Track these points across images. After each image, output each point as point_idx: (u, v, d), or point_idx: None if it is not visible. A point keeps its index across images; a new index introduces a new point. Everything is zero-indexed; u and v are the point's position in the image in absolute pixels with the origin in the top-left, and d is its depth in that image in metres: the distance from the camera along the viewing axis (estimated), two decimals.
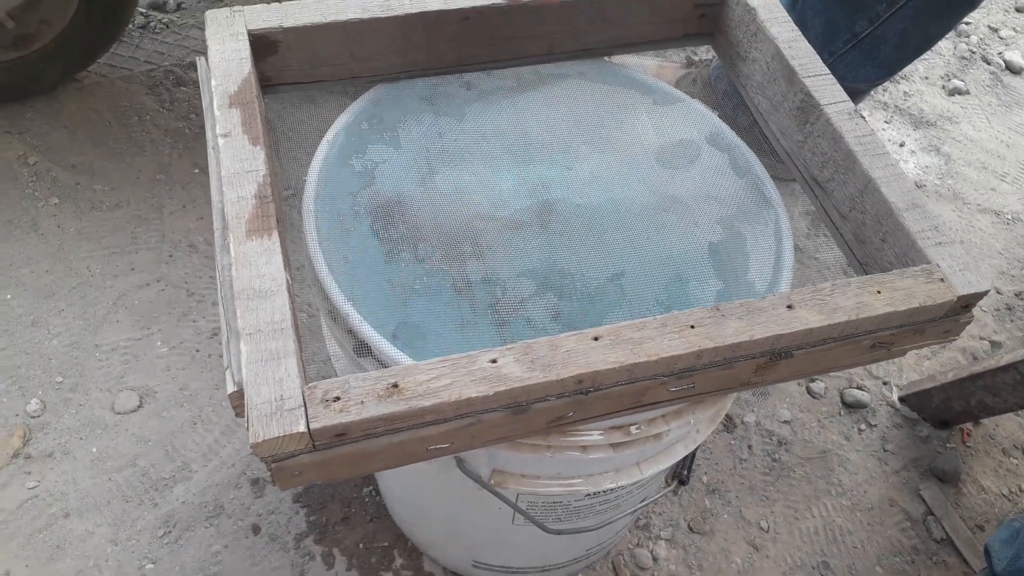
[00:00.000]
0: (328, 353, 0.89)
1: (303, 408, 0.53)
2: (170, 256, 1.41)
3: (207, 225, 1.46)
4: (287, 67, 0.81)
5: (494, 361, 0.57)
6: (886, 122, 1.90)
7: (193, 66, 1.70)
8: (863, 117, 0.76)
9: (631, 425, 0.72)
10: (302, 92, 0.87)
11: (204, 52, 0.76)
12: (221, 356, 1.29)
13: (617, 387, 0.61)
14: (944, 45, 2.10)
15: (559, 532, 0.86)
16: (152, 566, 1.09)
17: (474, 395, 0.55)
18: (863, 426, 1.37)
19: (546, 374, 0.57)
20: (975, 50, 2.11)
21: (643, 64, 1.70)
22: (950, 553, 1.25)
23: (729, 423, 1.34)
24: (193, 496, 1.16)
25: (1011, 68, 2.08)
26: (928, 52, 1.51)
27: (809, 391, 1.40)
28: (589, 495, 0.83)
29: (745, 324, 0.61)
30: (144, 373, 1.27)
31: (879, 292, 0.64)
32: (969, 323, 0.69)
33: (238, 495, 1.16)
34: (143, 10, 1.80)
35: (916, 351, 1.48)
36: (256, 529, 1.14)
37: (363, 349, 0.66)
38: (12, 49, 1.46)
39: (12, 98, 1.56)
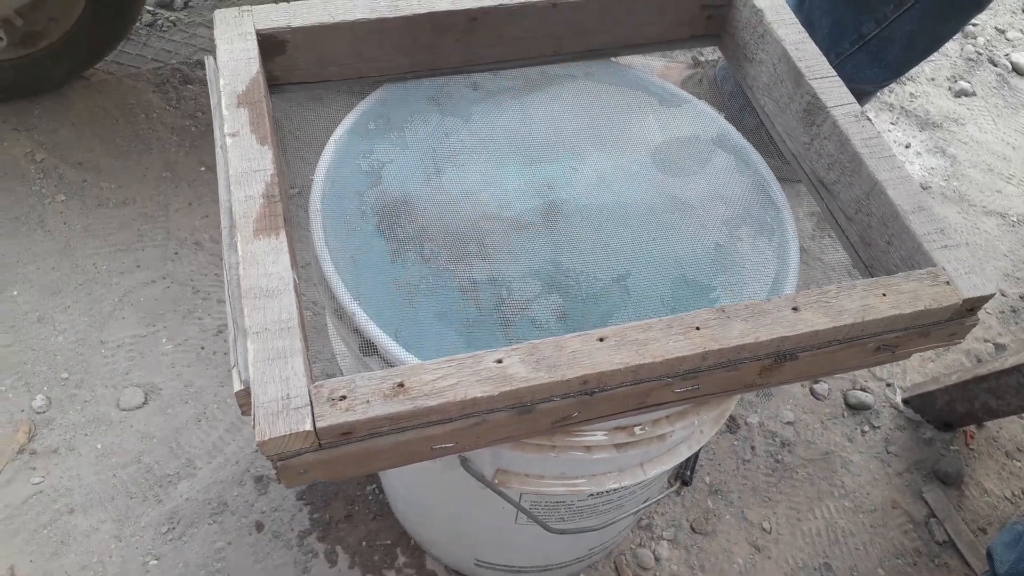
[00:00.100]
0: (333, 351, 0.90)
1: (309, 407, 0.53)
2: (176, 254, 1.42)
3: (213, 223, 1.46)
4: (295, 67, 0.81)
5: (500, 361, 0.57)
6: (892, 123, 1.90)
7: (200, 64, 1.71)
8: (870, 119, 0.76)
9: (635, 426, 0.72)
10: (309, 92, 0.87)
11: (211, 51, 0.76)
12: (226, 353, 1.30)
13: (622, 388, 0.61)
14: (951, 47, 2.09)
15: (562, 532, 0.86)
16: (156, 562, 1.10)
17: (479, 395, 0.55)
18: (866, 428, 1.37)
19: (551, 374, 0.57)
20: (982, 52, 2.11)
21: (649, 65, 1.70)
22: (952, 556, 1.25)
23: (732, 424, 1.34)
24: (197, 493, 1.16)
25: (1018, 70, 2.07)
26: (935, 54, 1.51)
27: (812, 392, 1.40)
28: (592, 495, 0.83)
29: (750, 326, 0.61)
30: (149, 370, 1.28)
31: (884, 295, 0.64)
32: (974, 326, 0.69)
33: (242, 492, 1.17)
34: (150, 8, 1.80)
35: (920, 353, 1.48)
36: (260, 526, 1.14)
37: (369, 348, 0.67)
38: (20, 47, 1.47)
39: (20, 95, 1.57)
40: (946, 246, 0.68)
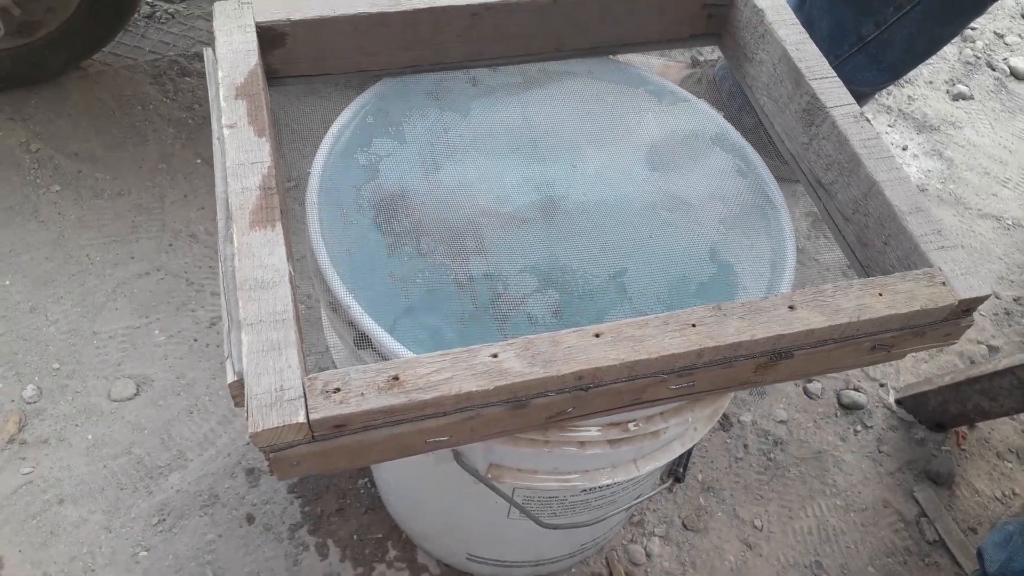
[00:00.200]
0: (327, 344, 0.89)
1: (303, 399, 0.53)
2: (170, 245, 1.41)
3: (208, 215, 1.46)
4: (294, 60, 0.81)
5: (495, 356, 0.57)
6: (889, 126, 1.90)
7: (197, 56, 1.70)
8: (868, 120, 0.76)
9: (629, 422, 0.72)
10: (308, 85, 0.87)
11: (209, 43, 0.76)
12: (219, 346, 1.30)
13: (617, 384, 0.61)
14: (949, 50, 2.10)
15: (554, 527, 0.86)
16: (146, 554, 1.10)
17: (474, 389, 0.55)
18: (859, 427, 1.38)
19: (546, 370, 0.57)
20: (980, 55, 2.11)
21: (648, 63, 1.70)
22: (942, 555, 1.25)
23: (725, 422, 1.35)
24: (188, 485, 1.16)
25: (1016, 74, 2.08)
26: (933, 57, 1.51)
27: (806, 391, 1.40)
28: (585, 491, 0.83)
29: (746, 324, 0.61)
30: (142, 361, 1.27)
31: (881, 294, 0.64)
32: (969, 327, 0.70)
33: (233, 485, 1.16)
34: (149, 0, 1.80)
35: (914, 354, 1.48)
36: (250, 519, 1.14)
37: (363, 341, 0.67)
38: (17, 36, 1.46)
39: (16, 85, 1.56)
40: (943, 247, 0.68)
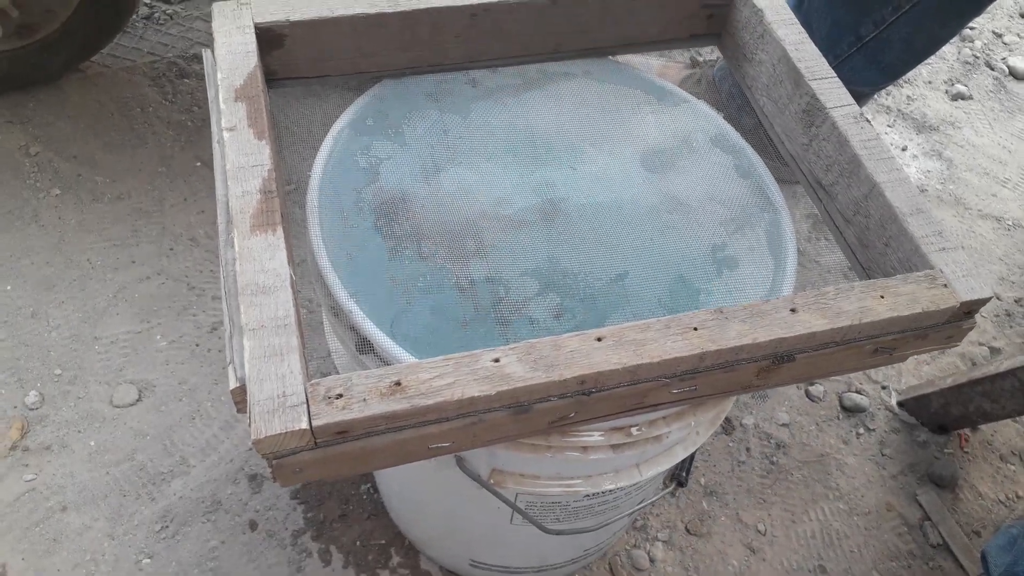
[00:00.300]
0: (328, 349, 0.89)
1: (305, 405, 0.53)
2: (171, 249, 1.41)
3: (208, 219, 1.45)
4: (293, 61, 0.81)
5: (497, 360, 0.57)
6: (889, 126, 1.90)
7: (196, 58, 1.70)
8: (868, 121, 0.76)
9: (632, 426, 0.72)
10: (307, 87, 0.87)
11: (208, 44, 0.76)
12: (220, 351, 1.30)
13: (619, 388, 0.60)
14: (948, 50, 2.09)
15: (558, 532, 0.86)
16: (149, 561, 1.09)
17: (477, 394, 0.55)
18: (861, 430, 1.37)
19: (549, 374, 0.57)
20: (979, 55, 2.11)
21: (647, 64, 1.69)
22: (946, 558, 1.25)
23: (728, 425, 1.34)
24: (191, 491, 1.16)
25: (1015, 74, 2.08)
26: (932, 57, 1.51)
27: (808, 394, 1.40)
28: (588, 496, 0.82)
29: (748, 327, 0.61)
30: (143, 367, 1.27)
31: (882, 297, 0.64)
32: (971, 329, 0.69)
33: (236, 491, 1.16)
34: (147, 1, 1.80)
35: (916, 356, 1.48)
36: (253, 525, 1.14)
37: (365, 346, 0.66)
38: (16, 38, 1.46)
39: (15, 87, 1.56)
40: (944, 249, 0.68)
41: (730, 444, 1.32)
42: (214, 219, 1.34)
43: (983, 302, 0.66)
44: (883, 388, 1.43)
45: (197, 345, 1.30)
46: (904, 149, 1.86)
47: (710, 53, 1.86)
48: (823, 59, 0.80)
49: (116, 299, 1.34)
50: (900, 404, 1.41)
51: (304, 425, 0.52)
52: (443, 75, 0.88)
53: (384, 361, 0.65)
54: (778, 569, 1.20)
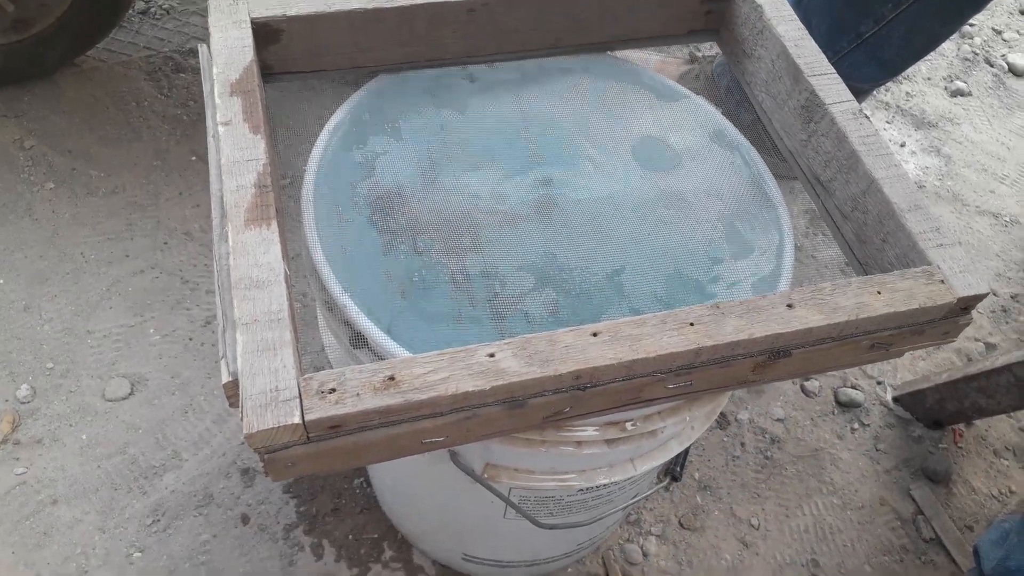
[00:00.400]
0: (322, 343, 0.89)
1: (298, 399, 0.52)
2: (165, 243, 1.40)
3: (203, 213, 1.45)
4: (289, 56, 0.80)
5: (492, 355, 0.57)
6: (887, 122, 1.90)
7: (192, 53, 1.69)
8: (867, 117, 0.75)
9: (627, 421, 0.71)
10: (303, 81, 0.86)
11: (204, 39, 0.75)
12: (214, 345, 1.29)
13: (615, 383, 0.60)
14: (947, 46, 2.09)
15: (551, 527, 0.86)
16: (140, 555, 1.09)
17: (471, 389, 0.55)
18: (856, 425, 1.37)
19: (544, 369, 0.57)
20: (978, 52, 2.11)
21: (646, 59, 1.69)
22: (939, 553, 1.25)
23: (722, 420, 1.34)
24: (183, 485, 1.15)
25: (1014, 70, 2.08)
26: (932, 53, 1.51)
27: (803, 389, 1.40)
28: (582, 490, 0.82)
29: (745, 322, 0.61)
30: (136, 360, 1.26)
31: (879, 292, 0.64)
32: (968, 325, 0.69)
33: (228, 485, 1.16)
34: None
35: (911, 352, 1.48)
36: (245, 519, 1.13)
37: (359, 340, 0.66)
38: (11, 32, 1.45)
39: (10, 82, 1.55)
40: (941, 245, 0.68)
41: (725, 439, 1.32)
42: (209, 213, 1.33)
43: (980, 298, 0.66)
44: (878, 383, 1.43)
45: (190, 339, 1.30)
46: (903, 145, 1.85)
47: (709, 49, 1.85)
48: (822, 55, 0.80)
49: (109, 293, 1.33)
50: (895, 399, 1.41)
51: (297, 420, 0.51)
52: (440, 70, 0.87)
53: (378, 356, 0.65)
54: (771, 563, 1.20)
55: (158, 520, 1.12)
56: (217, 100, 0.70)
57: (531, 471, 0.77)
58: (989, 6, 1.45)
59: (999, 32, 2.18)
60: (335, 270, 0.68)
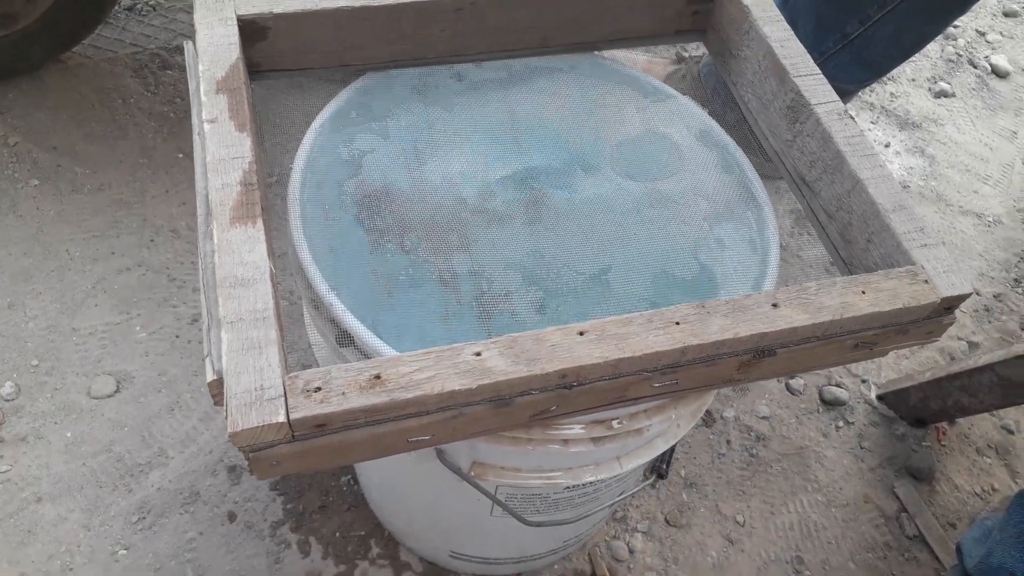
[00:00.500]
0: (309, 341, 0.89)
1: (283, 398, 0.52)
2: (152, 241, 1.40)
3: (190, 210, 1.44)
4: (276, 53, 0.80)
5: (478, 354, 0.57)
6: (872, 123, 1.91)
7: (179, 49, 1.68)
8: (852, 117, 0.76)
9: (613, 420, 0.72)
10: (290, 79, 0.86)
11: (191, 35, 0.75)
12: (200, 342, 1.28)
13: (601, 382, 0.60)
14: (932, 48, 2.11)
15: (537, 524, 0.86)
16: (125, 552, 1.08)
17: (457, 388, 0.55)
18: (841, 423, 1.38)
19: (530, 368, 0.57)
20: (962, 53, 2.12)
21: (633, 59, 1.69)
22: (922, 550, 1.26)
23: (708, 418, 1.35)
24: (169, 483, 1.15)
25: (997, 72, 2.09)
26: (916, 54, 1.52)
27: (788, 387, 1.41)
28: (568, 488, 0.83)
29: (730, 322, 0.61)
30: (122, 358, 1.26)
31: (864, 292, 0.64)
32: (951, 324, 0.70)
33: (215, 482, 1.16)
34: None
35: (896, 351, 1.49)
36: (232, 516, 1.13)
37: (345, 339, 0.66)
38: None
39: None
40: (925, 245, 0.68)
41: (711, 436, 1.33)
42: (195, 211, 1.32)
43: (963, 298, 0.67)
44: (863, 382, 1.44)
45: (177, 336, 1.29)
46: (887, 146, 1.87)
47: (696, 49, 1.86)
48: (808, 56, 0.81)
49: (95, 290, 1.32)
50: (879, 398, 1.42)
51: (281, 418, 0.51)
52: (428, 69, 0.87)
53: (365, 354, 0.65)
54: (756, 560, 1.21)
55: (144, 518, 1.12)
56: (203, 97, 0.70)
57: (518, 469, 0.77)
58: (973, 8, 1.46)
59: (983, 34, 2.19)
60: (321, 268, 0.68)
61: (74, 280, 1.33)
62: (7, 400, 1.20)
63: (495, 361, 0.56)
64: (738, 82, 0.88)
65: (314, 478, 1.18)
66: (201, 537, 1.11)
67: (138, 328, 1.29)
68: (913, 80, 2.03)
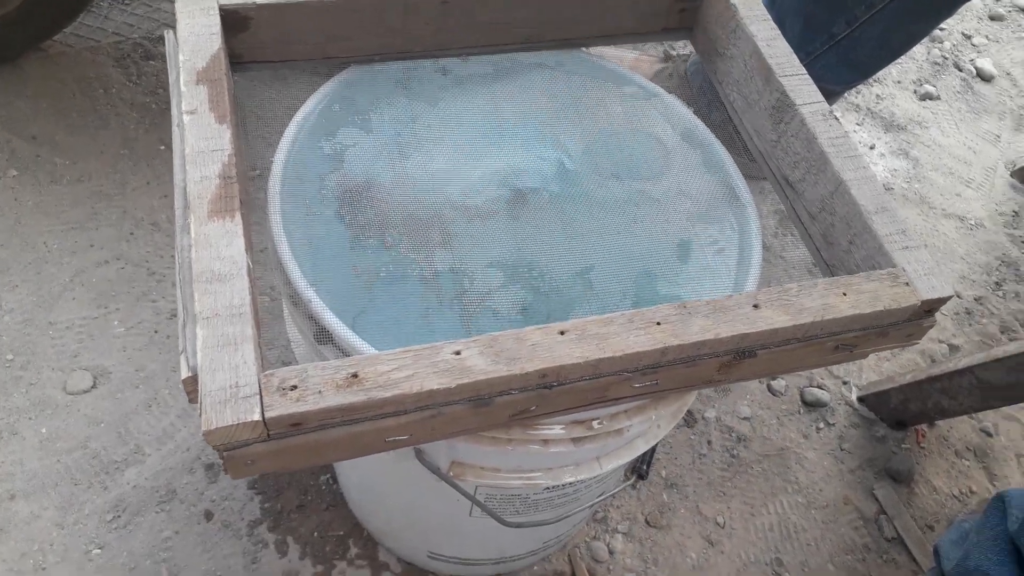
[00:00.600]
0: (289, 337, 0.88)
1: (258, 396, 0.51)
2: (131, 234, 1.38)
3: (171, 203, 1.42)
4: (259, 44, 0.79)
5: (458, 353, 0.56)
6: (858, 124, 1.92)
7: (163, 39, 1.66)
8: (837, 118, 0.76)
9: (593, 420, 0.71)
10: (274, 71, 0.85)
11: (174, 25, 0.74)
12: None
13: (581, 382, 0.60)
14: (918, 50, 2.12)
15: (517, 525, 0.86)
16: (99, 551, 1.07)
17: (436, 387, 0.54)
18: (821, 425, 1.39)
19: (510, 367, 0.56)
20: (948, 56, 2.14)
21: (620, 56, 1.69)
22: (900, 552, 1.27)
23: (690, 418, 1.35)
24: (145, 480, 1.13)
25: (982, 75, 2.11)
26: (902, 56, 1.52)
27: (770, 388, 1.41)
28: (548, 488, 0.82)
29: (711, 322, 0.61)
30: (99, 353, 1.24)
31: (845, 294, 0.64)
32: (931, 327, 0.70)
33: (192, 480, 1.14)
34: None
35: (876, 353, 1.50)
36: (209, 515, 1.12)
37: (324, 336, 0.65)
38: None
39: None
40: (907, 247, 0.68)
41: (692, 437, 1.33)
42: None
43: (943, 301, 0.67)
44: (844, 383, 1.45)
45: (156, 331, 1.28)
46: (872, 147, 1.87)
47: (683, 47, 1.86)
48: (793, 56, 0.80)
49: (73, 283, 1.31)
50: (860, 399, 1.42)
51: (256, 417, 0.50)
52: (413, 62, 0.86)
53: (344, 352, 0.64)
54: (736, 562, 1.21)
55: (119, 516, 1.10)
56: (183, 88, 0.68)
57: (497, 469, 0.76)
58: (959, 11, 1.47)
59: (968, 37, 2.21)
60: (301, 264, 0.67)
61: (51, 273, 1.31)
62: None
63: (475, 360, 0.56)
64: (724, 81, 0.88)
65: (292, 477, 1.17)
66: (177, 536, 1.10)
67: (116, 322, 1.28)
68: (899, 82, 2.04)
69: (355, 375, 0.53)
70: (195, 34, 0.72)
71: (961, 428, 1.43)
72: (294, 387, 0.52)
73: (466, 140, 0.81)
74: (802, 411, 1.40)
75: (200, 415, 0.50)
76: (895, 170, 1.84)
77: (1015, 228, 1.79)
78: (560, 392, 0.60)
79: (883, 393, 1.39)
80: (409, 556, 1.11)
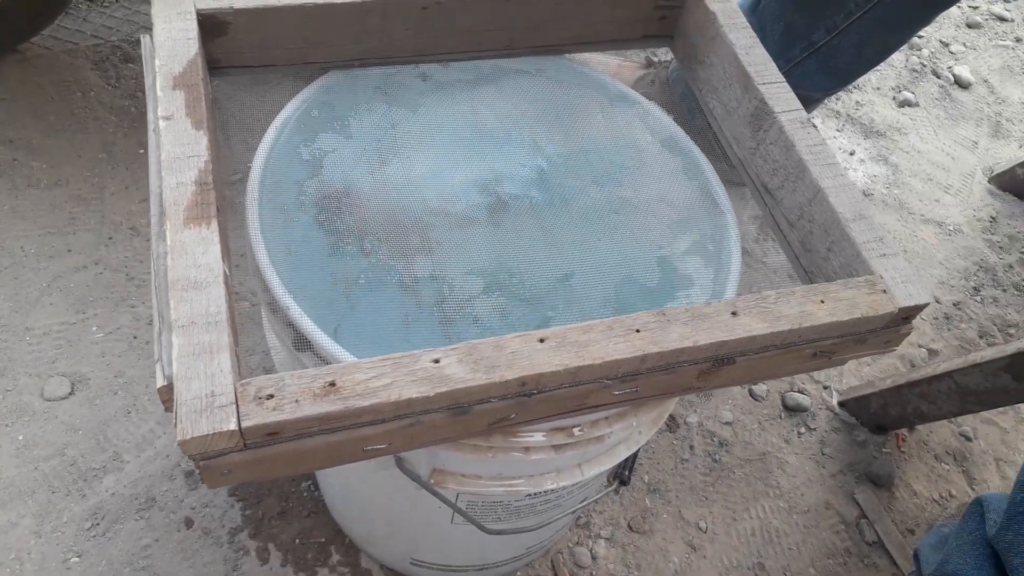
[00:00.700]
0: (269, 344, 0.87)
1: (234, 405, 0.51)
2: (110, 239, 1.37)
3: (149, 208, 1.41)
4: (237, 49, 0.78)
5: (437, 361, 0.56)
6: (838, 130, 1.93)
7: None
8: (815, 126, 0.76)
9: (574, 427, 0.71)
10: (254, 75, 0.84)
11: (151, 29, 0.73)
12: None
13: (561, 390, 0.60)
14: (896, 57, 2.14)
15: (498, 532, 0.85)
16: (77, 560, 1.06)
17: (415, 396, 0.54)
18: (803, 429, 1.40)
19: (489, 375, 0.56)
20: (926, 63, 2.16)
21: (603, 62, 1.69)
22: (881, 556, 1.27)
23: (672, 423, 1.35)
24: (124, 488, 1.12)
25: (960, 83, 2.13)
26: (882, 64, 1.54)
27: (751, 393, 1.42)
28: (530, 495, 0.82)
29: (690, 330, 0.61)
30: (77, 359, 1.23)
31: (822, 302, 0.65)
32: (909, 334, 0.70)
33: (171, 487, 1.13)
34: None
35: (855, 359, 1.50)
36: (189, 523, 1.11)
37: (302, 343, 0.65)
38: None
39: None
40: (884, 255, 0.69)
41: (674, 442, 1.33)
42: None
43: (920, 308, 0.67)
44: (825, 388, 1.45)
45: (135, 337, 1.27)
46: (852, 153, 1.89)
47: (665, 54, 1.86)
48: (772, 63, 0.81)
49: (50, 288, 1.29)
50: (841, 404, 1.43)
51: (232, 426, 0.50)
52: (393, 68, 0.86)
53: (322, 359, 0.64)
54: (718, 566, 1.21)
55: (97, 524, 1.09)
56: (159, 93, 0.68)
57: (478, 477, 0.76)
58: (937, 19, 1.48)
59: (946, 44, 2.23)
60: (279, 271, 0.67)
61: (28, 278, 1.30)
62: None
63: (454, 368, 0.56)
64: (704, 88, 0.88)
65: (273, 484, 1.16)
66: (156, 544, 1.08)
67: (94, 328, 1.26)
68: (878, 89, 2.06)
69: (332, 384, 0.53)
70: (172, 39, 0.72)
71: (941, 432, 1.44)
72: (271, 396, 0.52)
73: (446, 146, 0.81)
74: (783, 416, 1.40)
75: (175, 424, 0.50)
76: (874, 176, 1.86)
77: (993, 234, 1.81)
78: (540, 400, 0.60)
79: (863, 398, 1.39)
80: (391, 563, 1.10)
